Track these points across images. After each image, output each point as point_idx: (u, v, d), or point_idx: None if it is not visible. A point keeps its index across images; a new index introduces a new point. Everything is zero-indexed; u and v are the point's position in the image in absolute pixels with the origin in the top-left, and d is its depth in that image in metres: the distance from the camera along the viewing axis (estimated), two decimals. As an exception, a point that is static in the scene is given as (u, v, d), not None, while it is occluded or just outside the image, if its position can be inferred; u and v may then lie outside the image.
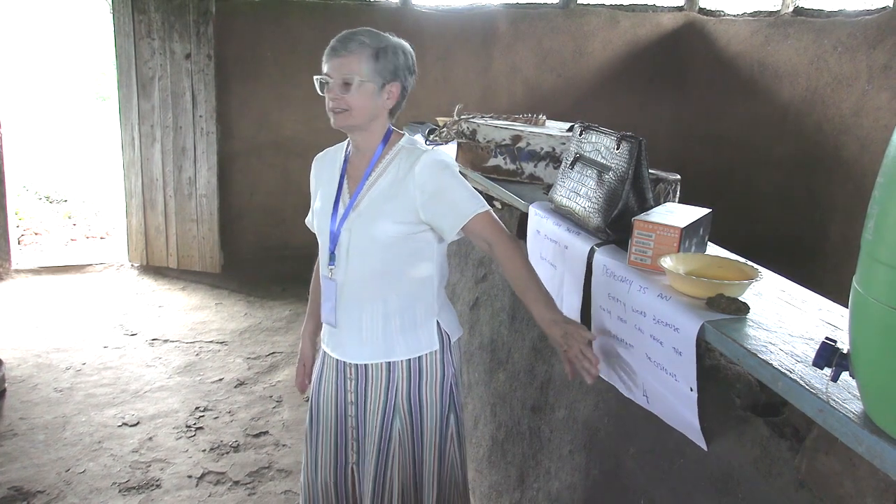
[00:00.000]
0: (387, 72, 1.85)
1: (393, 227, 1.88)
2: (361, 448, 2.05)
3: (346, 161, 2.01)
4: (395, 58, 1.86)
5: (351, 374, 2.01)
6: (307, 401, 2.19)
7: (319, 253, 2.06)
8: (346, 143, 2.05)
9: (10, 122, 3.29)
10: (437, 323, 2.00)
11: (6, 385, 3.58)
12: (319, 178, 2.08)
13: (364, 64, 1.82)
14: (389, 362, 1.97)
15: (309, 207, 2.12)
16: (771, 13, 5.44)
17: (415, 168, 1.86)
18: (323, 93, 1.87)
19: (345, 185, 1.98)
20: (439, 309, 2.01)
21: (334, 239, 1.95)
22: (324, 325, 2.07)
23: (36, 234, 6.52)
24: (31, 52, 12.23)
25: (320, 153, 2.12)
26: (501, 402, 2.61)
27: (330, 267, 1.96)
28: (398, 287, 1.94)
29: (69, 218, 7.09)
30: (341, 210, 1.95)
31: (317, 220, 2.03)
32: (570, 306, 1.95)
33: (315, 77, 1.87)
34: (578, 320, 1.89)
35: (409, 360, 1.98)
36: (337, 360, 2.03)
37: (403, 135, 1.99)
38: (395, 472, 2.01)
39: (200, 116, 5.18)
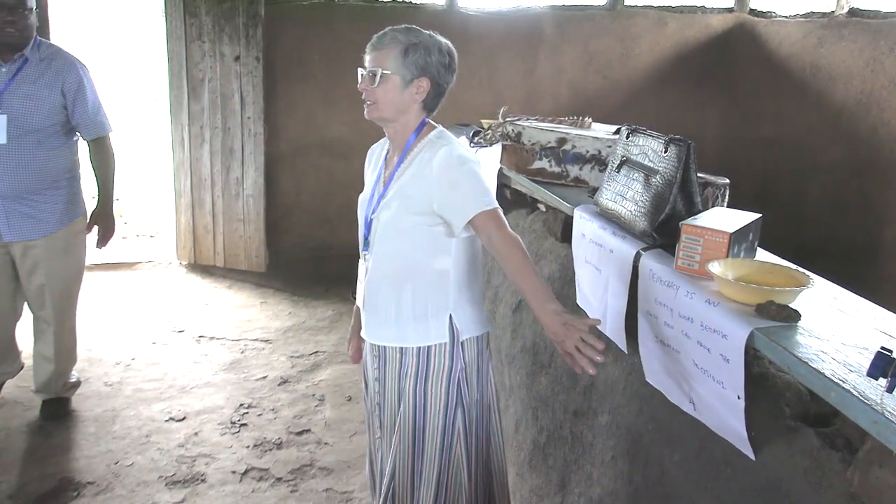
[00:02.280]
0: (415, 67, 1.91)
1: (410, 217, 1.96)
2: (383, 425, 2.16)
3: (387, 153, 2.13)
4: (427, 54, 1.92)
5: (376, 353, 2.13)
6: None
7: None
8: None
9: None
10: (450, 317, 2.04)
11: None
12: (369, 167, 2.20)
13: (392, 58, 1.91)
14: (402, 347, 2.06)
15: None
16: (825, 14, 5.31)
17: (433, 160, 1.93)
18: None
19: (382, 176, 2.09)
20: (455, 304, 2.05)
21: (368, 226, 2.07)
22: None
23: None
24: (87, 54, 12.57)
25: (375, 144, 2.23)
26: (543, 406, 2.59)
27: (364, 252, 2.10)
28: (413, 277, 2.01)
29: (121, 216, 7.26)
30: (376, 198, 2.06)
31: (359, 207, 2.16)
32: (614, 310, 1.93)
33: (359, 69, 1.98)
34: (623, 325, 1.88)
35: (420, 347, 2.04)
36: (366, 339, 2.17)
37: (436, 127, 2.05)
38: (394, 456, 2.09)
39: (248, 118, 5.27)
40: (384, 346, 2.10)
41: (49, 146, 3.13)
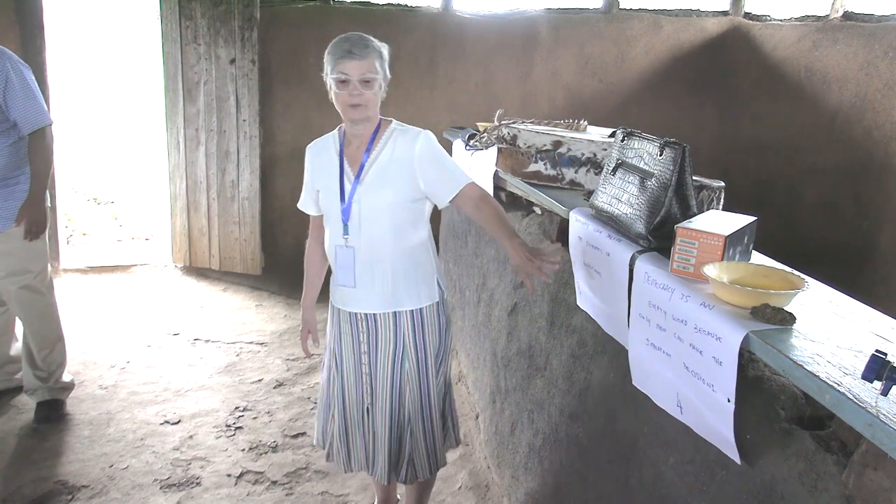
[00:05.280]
0: (386, 68, 2.24)
1: (396, 195, 2.24)
2: (374, 391, 2.43)
3: (342, 147, 2.35)
4: (386, 58, 2.25)
5: (363, 327, 2.39)
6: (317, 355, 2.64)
7: (327, 228, 2.39)
8: (336, 131, 2.40)
9: (60, 126, 3.38)
10: (437, 279, 2.40)
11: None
12: (316, 163, 2.41)
13: (377, 64, 2.19)
14: (396, 312, 2.35)
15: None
16: (819, 18, 5.33)
17: (415, 146, 2.23)
18: (338, 90, 2.20)
19: (346, 167, 2.32)
20: (436, 268, 2.41)
21: (346, 212, 2.29)
22: (337, 287, 2.41)
23: (84, 234, 6.69)
24: (82, 57, 12.55)
25: (311, 143, 2.46)
26: (539, 409, 2.59)
27: (345, 237, 2.31)
28: (402, 250, 2.30)
29: (115, 219, 7.25)
30: (348, 187, 2.29)
31: (324, 200, 2.36)
32: (616, 313, 1.93)
33: (333, 77, 2.19)
34: (626, 327, 1.88)
35: (413, 310, 2.36)
36: (350, 313, 2.40)
37: (391, 120, 2.33)
38: (408, 408, 2.42)
39: (244, 120, 5.26)
40: (375, 315, 2.36)
41: None
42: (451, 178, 2.27)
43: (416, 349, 2.39)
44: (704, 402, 1.47)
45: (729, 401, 1.39)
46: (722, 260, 1.58)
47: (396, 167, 2.24)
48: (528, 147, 2.69)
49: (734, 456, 1.43)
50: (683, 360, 1.52)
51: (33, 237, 3.26)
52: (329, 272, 2.49)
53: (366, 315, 2.37)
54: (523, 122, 2.98)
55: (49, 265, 3.47)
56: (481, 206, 2.25)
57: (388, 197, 2.24)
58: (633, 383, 1.79)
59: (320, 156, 2.40)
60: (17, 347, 3.64)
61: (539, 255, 2.01)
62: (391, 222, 2.27)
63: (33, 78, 3.22)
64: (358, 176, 2.28)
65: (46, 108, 3.24)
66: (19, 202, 3.22)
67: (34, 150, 3.21)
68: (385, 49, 2.24)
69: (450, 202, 2.29)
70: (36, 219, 3.25)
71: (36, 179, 3.24)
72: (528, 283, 2.07)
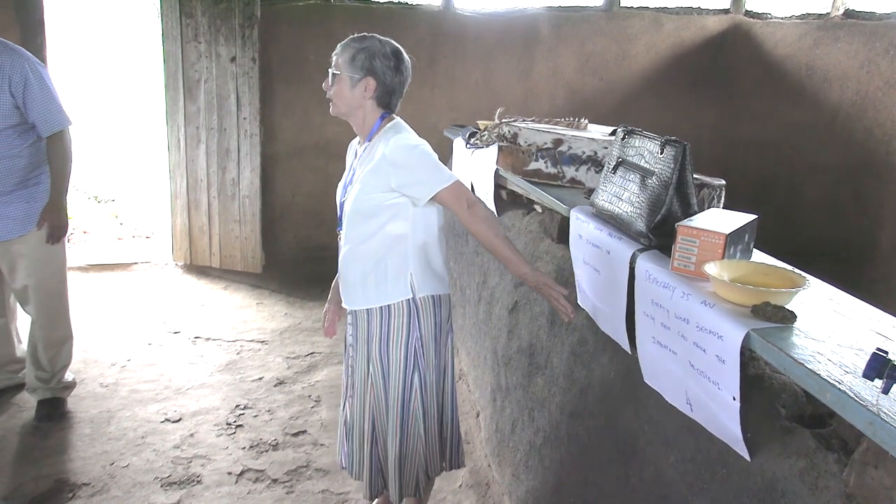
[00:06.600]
0: (361, 69, 2.23)
1: (371, 198, 2.24)
2: (354, 385, 2.48)
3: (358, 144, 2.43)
4: (371, 58, 2.22)
5: (351, 321, 2.45)
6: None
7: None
8: None
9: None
10: (410, 275, 2.33)
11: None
12: (348, 158, 2.52)
13: (343, 62, 2.24)
14: (368, 309, 2.36)
15: None
16: (820, 16, 5.32)
17: (385, 148, 2.21)
18: None
19: (353, 165, 2.41)
20: (414, 265, 2.32)
21: (341, 207, 2.38)
22: None
23: (84, 232, 6.68)
24: (82, 55, 12.54)
25: (354, 139, 2.51)
26: (539, 407, 2.59)
27: (339, 231, 2.41)
28: (374, 248, 2.29)
29: (116, 217, 7.25)
30: (345, 184, 2.39)
31: (337, 192, 2.46)
32: (615, 311, 1.93)
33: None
34: (624, 326, 1.88)
35: (381, 307, 2.34)
36: (344, 306, 2.48)
37: (394, 120, 2.33)
38: (366, 413, 2.43)
39: (244, 119, 5.26)
40: (355, 311, 2.40)
41: (10, 147, 3.08)
42: (421, 180, 2.23)
43: (380, 357, 2.37)
44: (713, 400, 1.47)
45: (734, 399, 1.39)
46: (723, 258, 1.58)
47: (373, 169, 2.24)
48: (529, 145, 2.69)
49: (744, 453, 1.43)
50: (689, 359, 1.52)
51: (55, 241, 3.29)
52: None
53: (350, 311, 2.43)
54: (524, 120, 2.98)
55: (66, 266, 3.48)
56: (463, 221, 2.25)
57: (362, 198, 2.26)
58: (645, 380, 1.79)
59: (351, 151, 2.52)
60: (21, 349, 3.65)
61: (547, 289, 2.17)
62: (366, 224, 2.28)
63: (51, 79, 3.21)
64: (352, 176, 2.36)
65: (65, 109, 3.23)
66: (41, 203, 3.22)
67: (53, 153, 3.21)
68: (369, 49, 2.22)
69: (428, 204, 2.27)
70: (57, 223, 3.27)
71: (56, 183, 3.24)
72: (558, 307, 2.17)
